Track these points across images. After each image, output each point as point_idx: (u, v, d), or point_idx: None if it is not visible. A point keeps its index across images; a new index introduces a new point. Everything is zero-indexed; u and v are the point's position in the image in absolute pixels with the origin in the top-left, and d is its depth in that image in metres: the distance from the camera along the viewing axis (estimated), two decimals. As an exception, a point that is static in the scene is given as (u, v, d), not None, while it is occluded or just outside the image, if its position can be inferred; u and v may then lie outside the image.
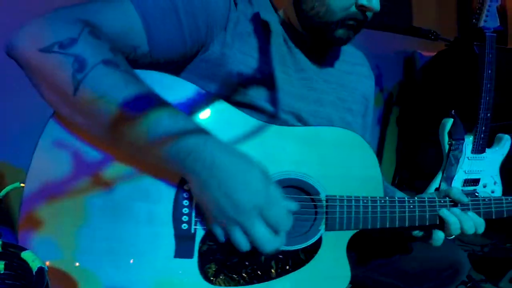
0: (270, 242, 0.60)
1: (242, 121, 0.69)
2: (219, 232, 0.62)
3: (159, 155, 0.58)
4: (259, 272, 0.69)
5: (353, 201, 0.73)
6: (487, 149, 1.87)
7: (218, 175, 0.58)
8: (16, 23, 0.58)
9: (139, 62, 0.68)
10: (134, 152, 0.61)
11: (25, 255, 0.46)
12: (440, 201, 0.80)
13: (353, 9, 0.77)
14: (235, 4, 0.78)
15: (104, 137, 0.61)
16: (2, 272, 0.48)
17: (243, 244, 0.60)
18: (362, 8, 0.77)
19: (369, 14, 0.79)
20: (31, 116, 0.63)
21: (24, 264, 0.46)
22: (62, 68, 0.56)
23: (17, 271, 0.47)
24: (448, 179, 1.83)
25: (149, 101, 0.57)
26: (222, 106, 0.68)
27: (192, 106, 0.66)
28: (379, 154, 2.59)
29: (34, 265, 0.45)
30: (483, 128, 1.81)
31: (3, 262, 0.47)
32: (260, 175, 0.60)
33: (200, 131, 0.59)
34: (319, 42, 0.85)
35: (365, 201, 0.74)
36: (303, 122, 0.82)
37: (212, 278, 0.66)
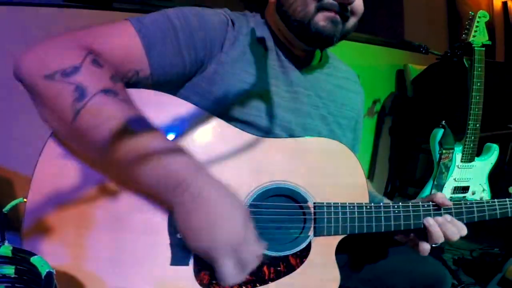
0: (233, 278, 0.60)
1: (234, 135, 0.72)
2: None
3: (149, 184, 0.59)
4: (252, 277, 0.70)
5: (339, 207, 0.76)
6: (476, 158, 1.90)
7: (202, 209, 0.58)
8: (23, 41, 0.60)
9: (140, 85, 0.70)
10: (125, 177, 0.62)
11: (34, 260, 0.47)
12: (423, 206, 0.81)
13: None
14: (233, 23, 0.80)
15: (99, 163, 0.62)
16: (12, 276, 0.50)
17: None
18: None
19: (344, 4, 0.78)
20: (41, 125, 0.65)
21: (33, 268, 0.47)
22: (63, 96, 0.57)
23: (26, 275, 0.49)
24: (439, 187, 1.87)
25: (145, 132, 0.58)
26: (215, 122, 0.71)
27: (187, 123, 0.68)
28: (372, 163, 2.62)
29: (43, 269, 0.45)
30: (472, 138, 1.84)
31: (13, 267, 0.49)
32: (241, 216, 0.61)
33: (192, 163, 0.60)
34: (309, 43, 0.83)
35: (351, 207, 0.76)
36: (293, 135, 0.83)
37: (207, 285, 0.67)
